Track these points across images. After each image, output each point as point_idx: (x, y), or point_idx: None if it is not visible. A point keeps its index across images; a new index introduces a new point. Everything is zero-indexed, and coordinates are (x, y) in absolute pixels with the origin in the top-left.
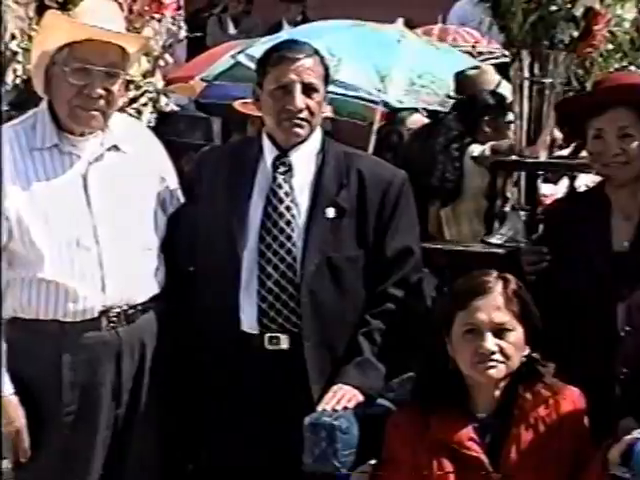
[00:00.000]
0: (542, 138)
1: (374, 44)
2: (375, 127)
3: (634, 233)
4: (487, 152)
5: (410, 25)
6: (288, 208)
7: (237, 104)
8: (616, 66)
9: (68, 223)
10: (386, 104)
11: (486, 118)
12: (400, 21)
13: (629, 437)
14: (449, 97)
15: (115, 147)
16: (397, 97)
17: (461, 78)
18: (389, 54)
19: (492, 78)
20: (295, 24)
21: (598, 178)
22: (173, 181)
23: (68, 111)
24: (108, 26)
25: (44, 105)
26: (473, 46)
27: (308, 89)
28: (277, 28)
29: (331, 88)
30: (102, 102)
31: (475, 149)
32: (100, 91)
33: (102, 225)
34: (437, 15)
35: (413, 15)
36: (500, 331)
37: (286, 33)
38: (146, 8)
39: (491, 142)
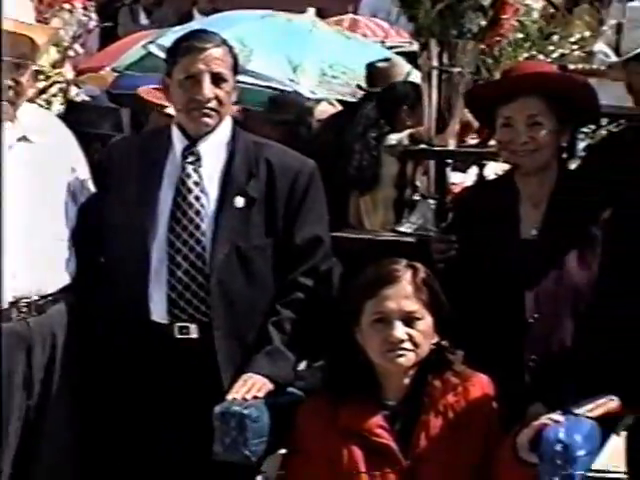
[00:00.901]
0: (451, 127)
1: (286, 34)
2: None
3: (542, 221)
4: (405, 140)
5: (321, 15)
6: (197, 198)
7: (141, 90)
8: (525, 55)
9: None
10: (298, 94)
11: (405, 108)
12: (311, 11)
13: (537, 423)
14: (359, 88)
15: (24, 138)
16: (310, 87)
17: (372, 70)
18: (301, 44)
19: (403, 70)
20: (206, 14)
21: (507, 166)
22: (84, 171)
23: None
24: (16, 17)
25: None
26: (382, 41)
27: (217, 79)
28: (188, 18)
29: (243, 78)
30: (11, 93)
31: (392, 138)
32: (9, 82)
33: (13, 215)
34: (348, 6)
35: (325, 5)
36: (409, 320)
37: (197, 23)
38: None
39: (409, 130)
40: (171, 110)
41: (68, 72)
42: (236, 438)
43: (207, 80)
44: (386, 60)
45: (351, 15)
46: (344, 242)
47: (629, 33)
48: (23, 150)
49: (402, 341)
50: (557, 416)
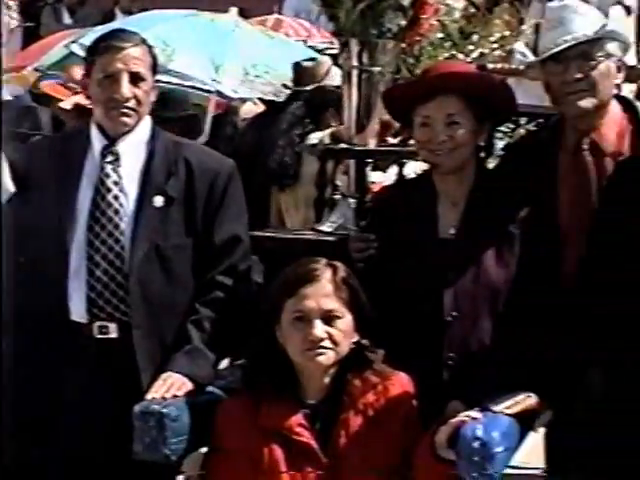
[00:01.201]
0: (371, 126)
1: (209, 34)
2: (209, 116)
3: (460, 220)
4: (326, 139)
5: (245, 15)
6: (116, 197)
7: (44, 85)
8: (445, 55)
9: None
10: (221, 94)
11: (331, 109)
12: (234, 11)
13: (456, 420)
14: (285, 87)
15: None
16: (232, 87)
17: (299, 69)
18: (224, 44)
19: (327, 69)
20: (130, 13)
21: (426, 165)
22: (4, 171)
23: None
24: None
25: None
26: (305, 40)
27: (135, 78)
28: (111, 17)
29: (166, 78)
30: None
31: (314, 136)
32: None
33: None
34: (273, 6)
35: (248, 6)
36: (329, 318)
37: (119, 22)
38: None
39: (331, 129)
40: (66, 104)
41: None
42: (156, 437)
43: (125, 79)
44: (312, 59)
45: (275, 15)
46: (265, 241)
47: (546, 33)
48: None
49: (322, 339)
50: (475, 413)
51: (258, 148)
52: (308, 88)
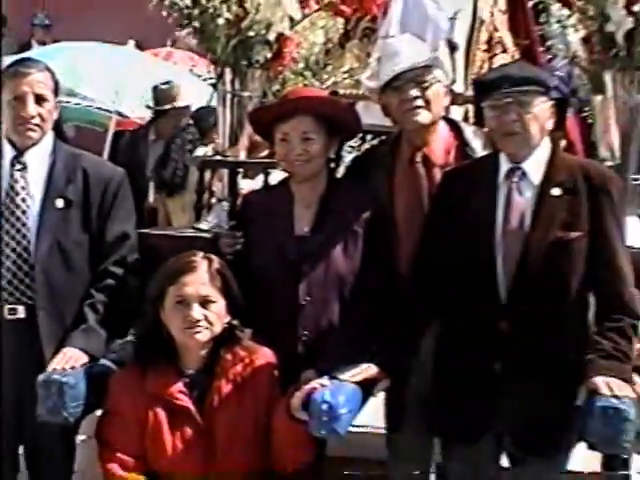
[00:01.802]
0: (241, 141)
1: (111, 62)
2: (110, 133)
3: (313, 220)
4: (209, 153)
5: (140, 47)
6: (24, 199)
7: None
8: (305, 82)
9: None
10: (120, 113)
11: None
12: (132, 43)
13: (308, 386)
14: (148, 107)
15: None
16: (130, 108)
17: (156, 91)
18: (123, 71)
19: (181, 91)
20: (44, 44)
21: (286, 174)
22: None
23: None
24: None
25: None
26: (190, 69)
27: (39, 99)
28: (27, 48)
29: (75, 100)
30: None
31: (199, 151)
32: None
33: None
34: (166, 39)
35: (143, 38)
36: (205, 302)
37: (34, 52)
38: None
39: (213, 144)
40: None
41: None
42: (56, 402)
43: (31, 100)
44: (167, 83)
45: (167, 48)
46: (152, 238)
47: (385, 63)
48: None
49: (199, 320)
50: (324, 381)
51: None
52: (166, 107)
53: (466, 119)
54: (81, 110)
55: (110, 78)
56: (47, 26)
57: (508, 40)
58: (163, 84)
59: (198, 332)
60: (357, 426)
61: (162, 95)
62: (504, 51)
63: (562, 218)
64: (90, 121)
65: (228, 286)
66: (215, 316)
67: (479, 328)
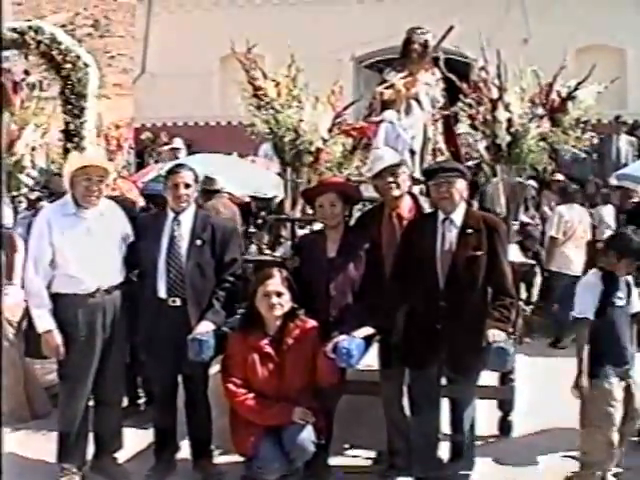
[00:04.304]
0: (297, 206)
1: (225, 164)
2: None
3: (337, 249)
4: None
5: (240, 156)
6: (179, 240)
7: None
8: (332, 173)
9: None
10: (229, 193)
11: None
12: (235, 154)
13: (335, 340)
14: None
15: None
16: (234, 190)
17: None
18: (231, 168)
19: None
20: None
21: (321, 225)
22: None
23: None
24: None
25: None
26: (268, 168)
27: (186, 186)
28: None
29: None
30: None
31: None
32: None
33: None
34: (250, 151)
35: (243, 150)
36: (279, 294)
37: (183, 159)
38: None
39: None
40: None
41: None
42: (198, 350)
43: (182, 186)
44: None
45: (251, 156)
46: (249, 262)
47: (374, 164)
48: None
49: (275, 305)
50: (344, 336)
51: None
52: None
53: (422, 192)
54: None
55: (224, 173)
56: (189, 145)
57: (444, 148)
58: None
59: (276, 311)
60: (365, 366)
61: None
62: (442, 154)
63: (472, 244)
64: None
65: (291, 286)
66: (284, 302)
67: (428, 305)
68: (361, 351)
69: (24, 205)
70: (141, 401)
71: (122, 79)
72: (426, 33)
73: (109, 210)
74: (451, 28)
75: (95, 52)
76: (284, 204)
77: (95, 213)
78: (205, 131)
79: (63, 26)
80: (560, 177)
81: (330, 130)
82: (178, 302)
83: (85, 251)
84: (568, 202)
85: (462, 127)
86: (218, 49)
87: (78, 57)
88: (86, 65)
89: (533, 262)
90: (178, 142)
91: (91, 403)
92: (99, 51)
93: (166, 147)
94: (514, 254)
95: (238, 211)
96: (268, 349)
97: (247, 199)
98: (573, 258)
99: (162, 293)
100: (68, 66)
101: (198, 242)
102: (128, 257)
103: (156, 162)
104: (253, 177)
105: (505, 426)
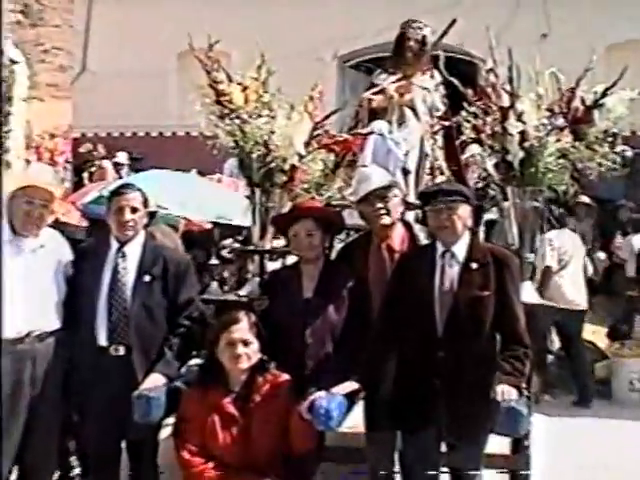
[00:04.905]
0: (268, 236)
1: (181, 184)
2: (180, 231)
3: (314, 288)
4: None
5: (201, 174)
6: (123, 276)
7: None
8: (309, 196)
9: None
10: (186, 218)
11: None
12: (194, 171)
13: (312, 397)
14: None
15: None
16: (192, 214)
17: None
18: (189, 189)
19: None
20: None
21: (296, 258)
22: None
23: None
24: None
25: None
26: (235, 189)
27: (133, 210)
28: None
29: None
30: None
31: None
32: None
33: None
34: (215, 169)
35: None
36: (246, 343)
37: (130, 178)
38: None
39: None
40: None
41: None
42: (146, 410)
43: (127, 211)
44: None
45: (217, 175)
46: (208, 302)
47: (360, 186)
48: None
49: (241, 355)
50: (322, 393)
51: None
52: None
53: (417, 220)
54: (163, 216)
55: (180, 194)
56: (140, 159)
57: (444, 167)
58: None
59: (241, 363)
60: (347, 427)
61: None
62: (441, 174)
63: (478, 282)
64: (167, 224)
65: (260, 333)
66: (252, 353)
67: (424, 356)
68: (343, 411)
69: None
70: (75, 472)
71: (58, 78)
72: (424, 28)
73: (52, 242)
74: (454, 22)
75: (25, 45)
76: (252, 233)
77: (34, 244)
78: (159, 143)
79: None
80: (586, 199)
81: (308, 144)
82: (121, 351)
83: (18, 288)
84: (560, 226)
85: (473, 147)
86: (175, 44)
87: (1, 51)
88: (12, 62)
89: (552, 304)
90: (122, 156)
91: (13, 477)
92: (30, 43)
93: (104, 162)
94: (528, 294)
95: (180, 242)
96: (231, 409)
97: (208, 225)
98: (567, 289)
99: (102, 340)
100: None
101: (147, 278)
102: (67, 298)
103: (90, 180)
104: (216, 199)
105: None
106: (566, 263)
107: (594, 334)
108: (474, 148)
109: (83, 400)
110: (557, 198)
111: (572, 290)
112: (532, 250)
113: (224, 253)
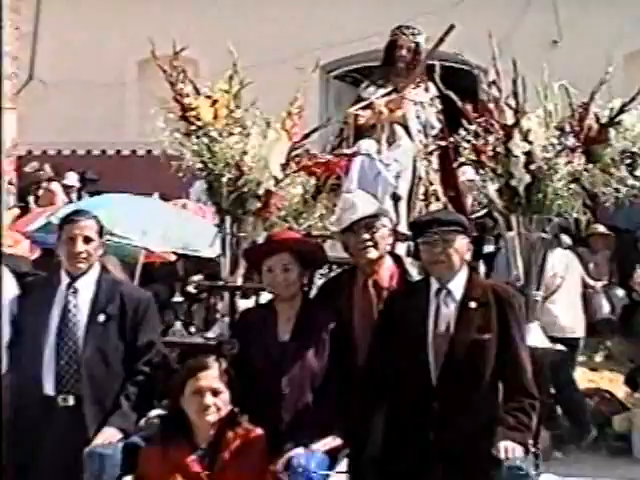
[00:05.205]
0: (239, 271)
1: (142, 210)
2: (140, 264)
3: (292, 330)
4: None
5: (164, 198)
6: (74, 315)
7: None
8: (286, 225)
9: None
10: (147, 249)
11: None
12: (156, 195)
13: (289, 454)
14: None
15: None
16: (155, 245)
17: None
18: (150, 216)
19: None
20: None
21: (271, 295)
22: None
23: None
24: None
25: None
26: (203, 216)
27: (87, 240)
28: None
29: (114, 238)
30: None
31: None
32: None
33: None
34: (182, 193)
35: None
36: (215, 392)
37: (84, 203)
38: None
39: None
40: None
41: None
42: (98, 469)
43: (80, 240)
44: None
45: (183, 200)
46: (172, 345)
47: (344, 214)
48: None
49: (210, 406)
50: (300, 450)
51: None
52: None
53: (409, 253)
54: (118, 247)
55: (140, 222)
56: (95, 180)
57: (440, 192)
58: None
59: (209, 415)
60: None
61: None
62: (437, 200)
63: (477, 324)
64: (124, 255)
65: (232, 381)
66: (222, 403)
67: (417, 407)
68: (323, 469)
69: None
70: None
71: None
72: (417, 34)
73: None
74: (451, 28)
75: None
76: (221, 266)
77: None
78: (116, 162)
79: None
80: (601, 229)
81: (285, 166)
82: (71, 401)
83: None
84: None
85: (470, 171)
86: (135, 51)
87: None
88: None
89: (564, 348)
90: (72, 178)
91: None
92: None
93: (52, 184)
94: (535, 336)
95: (128, 277)
96: (197, 468)
97: (172, 257)
98: (560, 315)
99: (49, 389)
100: None
101: (101, 318)
102: (11, 340)
103: (37, 205)
104: (181, 228)
105: None
106: (557, 287)
107: (611, 382)
108: (468, 171)
109: (27, 456)
110: (568, 227)
111: (565, 316)
112: (539, 287)
113: (190, 289)
